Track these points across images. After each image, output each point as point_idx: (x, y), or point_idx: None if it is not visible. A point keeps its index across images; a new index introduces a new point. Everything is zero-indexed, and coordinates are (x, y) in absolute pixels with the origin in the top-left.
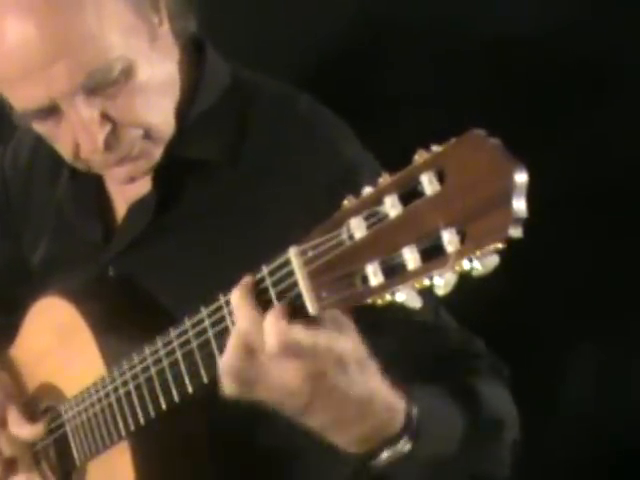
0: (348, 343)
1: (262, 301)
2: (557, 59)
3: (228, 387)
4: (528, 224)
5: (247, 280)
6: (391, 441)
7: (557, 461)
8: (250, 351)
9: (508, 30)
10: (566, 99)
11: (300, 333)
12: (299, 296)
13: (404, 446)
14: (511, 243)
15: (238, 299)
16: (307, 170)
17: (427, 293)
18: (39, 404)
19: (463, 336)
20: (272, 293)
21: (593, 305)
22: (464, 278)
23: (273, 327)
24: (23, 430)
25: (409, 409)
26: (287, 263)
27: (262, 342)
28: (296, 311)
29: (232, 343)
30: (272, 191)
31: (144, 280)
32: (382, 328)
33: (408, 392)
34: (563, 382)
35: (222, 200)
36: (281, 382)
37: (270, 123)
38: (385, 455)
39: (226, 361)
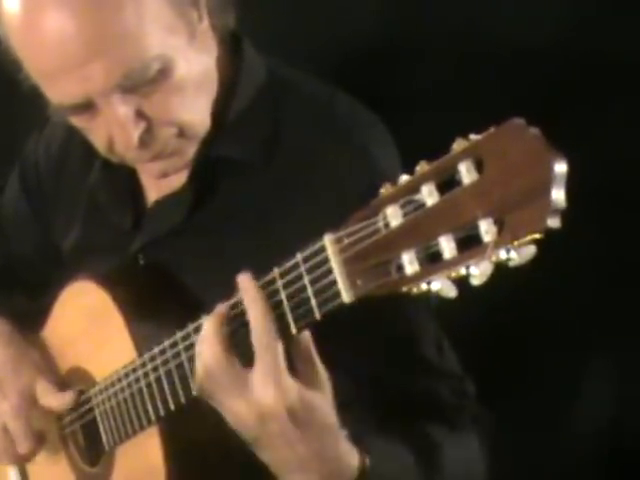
0: (323, 405)
1: (294, 289)
2: (569, 61)
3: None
4: None
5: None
6: None
7: (568, 465)
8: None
9: (521, 32)
10: (581, 99)
11: (255, 382)
12: (333, 283)
13: None
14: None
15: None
16: (340, 177)
17: (436, 330)
18: (68, 388)
19: (456, 383)
20: (306, 280)
21: (608, 309)
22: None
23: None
24: (52, 400)
25: (362, 469)
26: (322, 250)
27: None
28: (330, 299)
29: (218, 348)
30: (304, 195)
31: (173, 270)
32: (384, 354)
33: (365, 449)
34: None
35: (254, 200)
36: (234, 412)
37: (306, 125)
38: None
39: (208, 360)
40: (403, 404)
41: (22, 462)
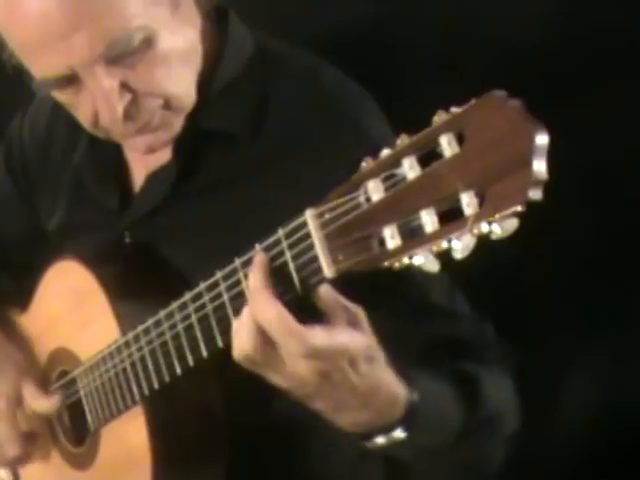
0: (362, 340)
1: (277, 265)
2: (563, 48)
3: (240, 363)
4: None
5: (261, 259)
6: (387, 429)
7: (558, 458)
8: (267, 340)
9: (516, 16)
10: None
11: (319, 338)
12: (315, 259)
13: (399, 435)
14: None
15: (258, 283)
16: (329, 148)
17: (443, 276)
18: (53, 369)
19: (474, 324)
20: (288, 256)
21: (598, 300)
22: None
23: (295, 335)
24: (41, 403)
25: (410, 400)
26: (303, 225)
27: (282, 338)
28: (312, 275)
29: (250, 330)
30: (292, 167)
31: (160, 247)
32: (396, 307)
33: (411, 381)
34: (566, 380)
35: (241, 173)
36: (293, 374)
37: (294, 97)
38: (380, 440)
39: (242, 348)
40: (429, 350)
41: (13, 465)
